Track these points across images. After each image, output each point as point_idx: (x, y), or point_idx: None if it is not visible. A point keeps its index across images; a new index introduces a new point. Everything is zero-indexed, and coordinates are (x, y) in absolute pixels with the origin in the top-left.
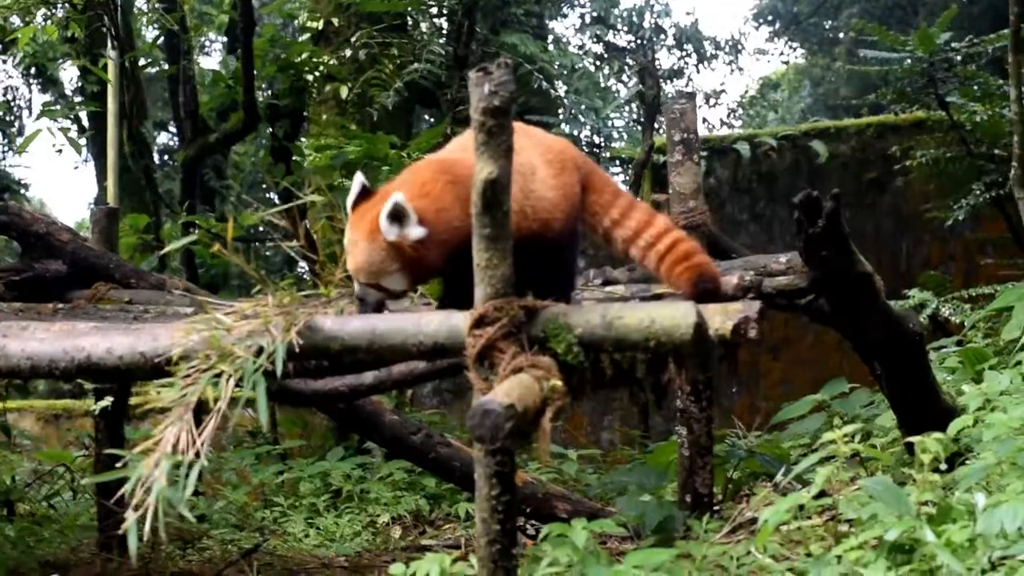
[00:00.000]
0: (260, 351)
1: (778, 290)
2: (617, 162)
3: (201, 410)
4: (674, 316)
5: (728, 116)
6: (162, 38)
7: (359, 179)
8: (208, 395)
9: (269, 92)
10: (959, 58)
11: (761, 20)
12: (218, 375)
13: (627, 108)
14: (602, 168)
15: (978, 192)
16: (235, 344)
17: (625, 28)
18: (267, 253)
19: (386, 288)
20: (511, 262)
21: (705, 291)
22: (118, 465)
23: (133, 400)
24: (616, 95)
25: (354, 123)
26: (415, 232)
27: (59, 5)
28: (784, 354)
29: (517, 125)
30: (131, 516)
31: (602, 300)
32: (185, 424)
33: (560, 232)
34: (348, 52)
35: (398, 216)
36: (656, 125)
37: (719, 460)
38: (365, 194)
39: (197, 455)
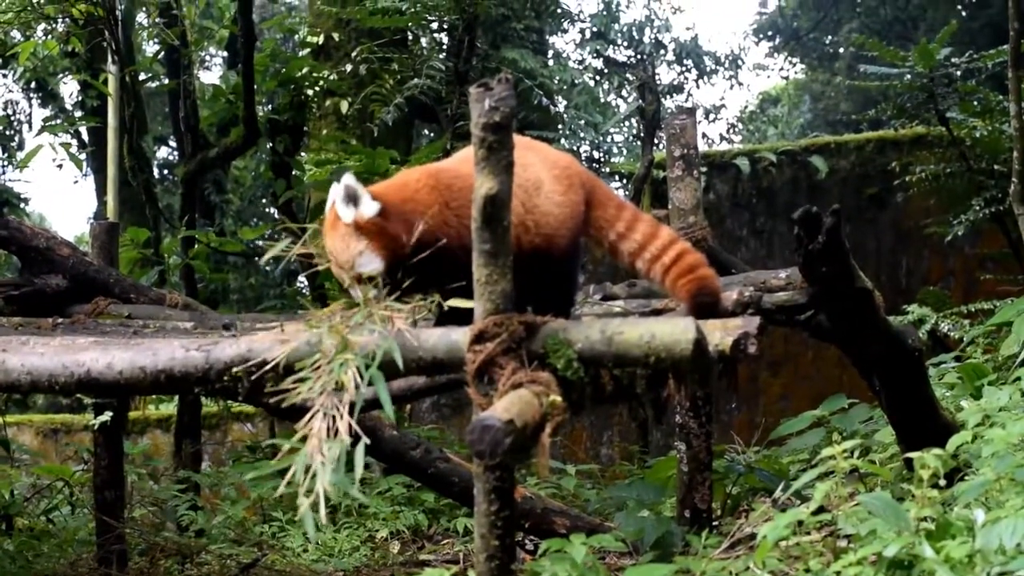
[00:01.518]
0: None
1: (778, 306)
2: (617, 177)
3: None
4: (674, 332)
5: (728, 131)
6: (163, 53)
7: (333, 191)
8: (344, 380)
9: (269, 107)
10: (959, 73)
11: (761, 35)
12: (343, 363)
13: (627, 123)
14: (604, 182)
15: (978, 208)
16: (351, 333)
17: (625, 43)
18: (267, 268)
19: (363, 273)
20: (511, 278)
21: (704, 304)
22: (271, 465)
23: (131, 415)
24: (616, 110)
25: (354, 138)
26: (369, 207)
27: (60, 20)
28: (783, 370)
29: (524, 140)
30: (304, 504)
31: (602, 315)
32: (333, 409)
33: (564, 248)
34: (348, 67)
35: (352, 198)
36: (656, 140)
37: (718, 475)
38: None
39: (358, 436)
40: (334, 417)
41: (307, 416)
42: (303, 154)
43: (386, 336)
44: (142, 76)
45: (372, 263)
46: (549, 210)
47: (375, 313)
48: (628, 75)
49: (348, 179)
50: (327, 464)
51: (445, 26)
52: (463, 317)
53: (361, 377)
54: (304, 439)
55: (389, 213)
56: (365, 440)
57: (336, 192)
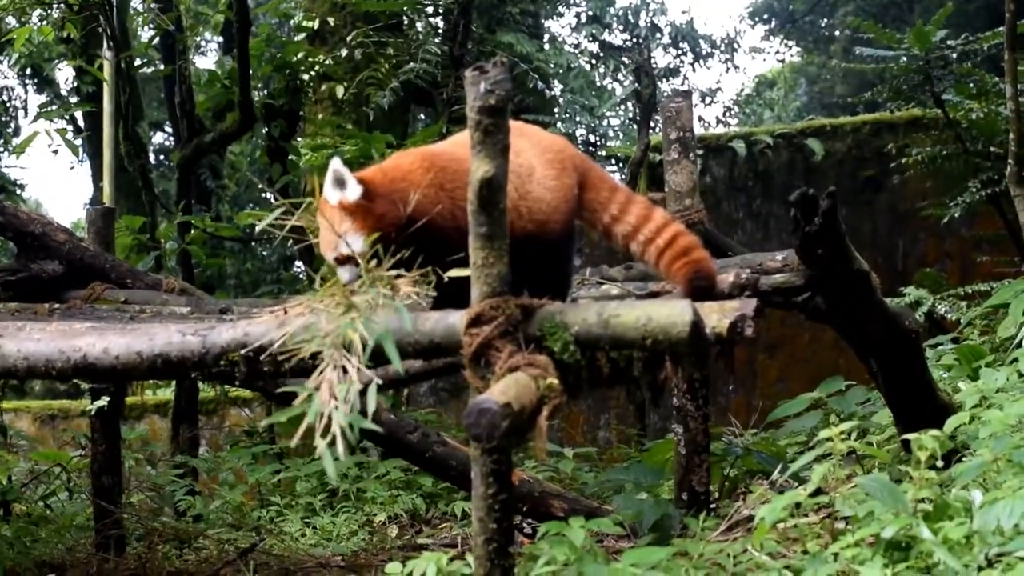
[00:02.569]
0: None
1: (774, 288)
2: (613, 161)
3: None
4: (671, 314)
5: (724, 114)
6: (158, 38)
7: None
8: (351, 335)
9: (265, 92)
10: (955, 56)
11: (757, 18)
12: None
13: (623, 107)
14: (598, 165)
15: (974, 189)
16: (355, 296)
17: (621, 27)
18: (263, 253)
19: (348, 253)
20: (507, 261)
21: (700, 287)
22: (285, 412)
23: (128, 400)
24: (612, 94)
25: (350, 122)
26: (353, 192)
27: (55, 6)
28: (781, 352)
29: (515, 125)
30: (321, 444)
31: (598, 298)
32: (342, 359)
33: (558, 232)
34: (344, 52)
35: (339, 182)
36: (652, 124)
37: (716, 458)
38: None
39: (369, 380)
40: (344, 368)
41: (317, 371)
42: (299, 139)
43: (390, 298)
44: (138, 62)
45: (355, 243)
46: (542, 195)
47: (378, 280)
48: (624, 59)
49: (335, 163)
50: (340, 405)
51: (440, 10)
52: (458, 299)
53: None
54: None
55: (375, 195)
56: (377, 380)
57: (327, 177)
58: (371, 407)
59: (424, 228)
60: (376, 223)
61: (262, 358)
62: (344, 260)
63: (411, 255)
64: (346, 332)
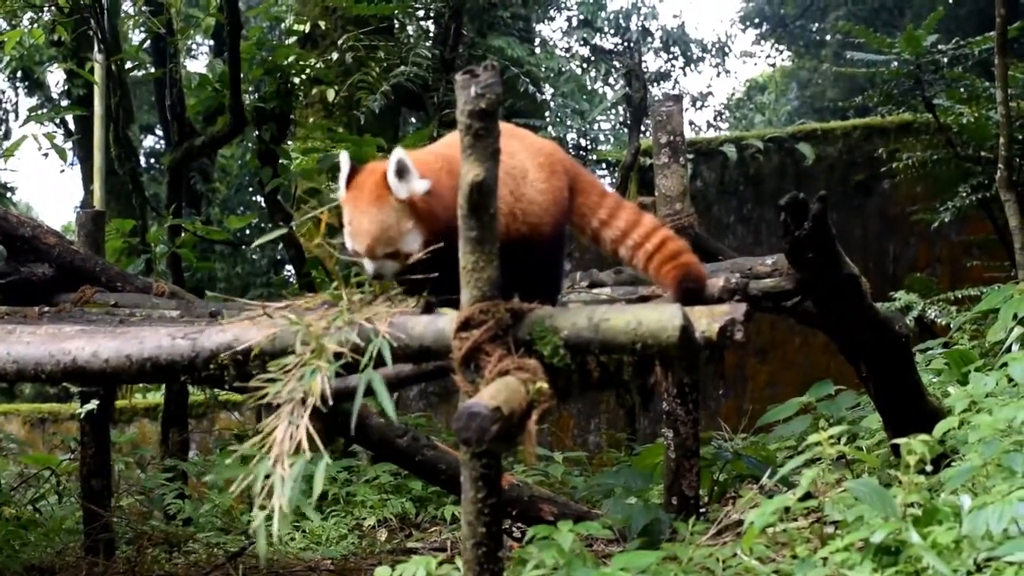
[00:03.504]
0: (357, 348)
1: (764, 292)
2: (604, 165)
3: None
4: (660, 319)
5: (715, 119)
6: (149, 41)
7: (346, 158)
8: (312, 388)
9: (256, 95)
10: (946, 60)
11: (748, 23)
12: (314, 370)
13: (613, 111)
14: (588, 170)
15: (964, 194)
16: (326, 339)
17: (612, 31)
18: (253, 256)
19: (403, 251)
20: (497, 264)
21: (689, 290)
22: (228, 462)
23: (118, 404)
24: (603, 98)
25: (341, 126)
26: (420, 184)
27: (46, 8)
28: (770, 356)
29: (507, 127)
30: (259, 516)
31: (588, 302)
32: (298, 419)
33: (549, 236)
34: (335, 55)
35: (402, 172)
36: (642, 128)
37: (705, 462)
38: (354, 174)
39: (320, 453)
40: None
41: (270, 419)
42: (289, 142)
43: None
44: (128, 64)
45: (416, 243)
46: (534, 198)
47: (356, 316)
48: (615, 63)
49: (400, 152)
50: (287, 480)
51: (431, 14)
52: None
53: (330, 382)
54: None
55: (436, 193)
56: (327, 459)
57: (390, 167)
58: (317, 487)
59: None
60: (433, 224)
61: (250, 362)
62: (392, 256)
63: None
64: (310, 382)
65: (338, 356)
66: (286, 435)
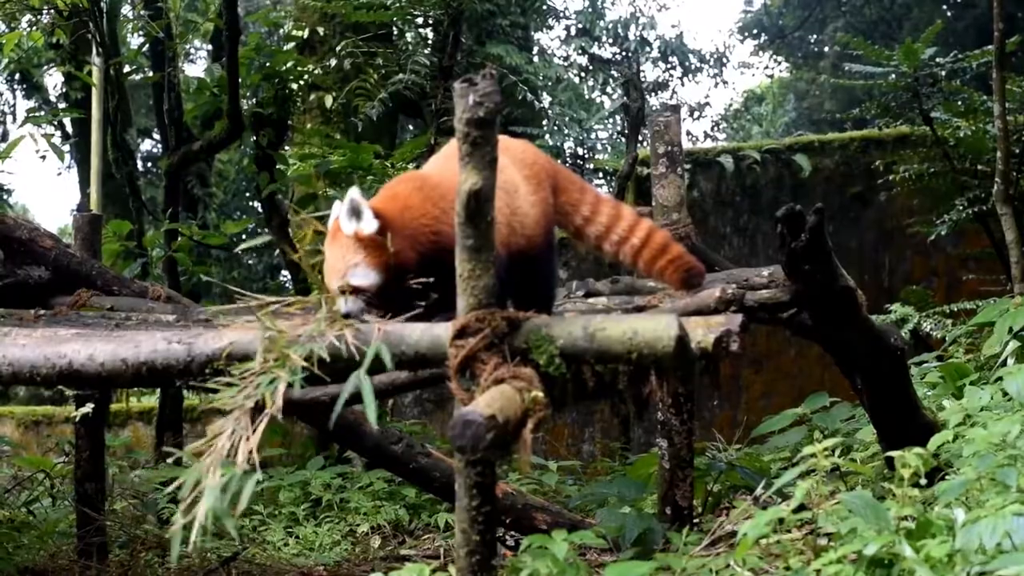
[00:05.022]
0: (339, 356)
1: (760, 303)
2: (601, 174)
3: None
4: (656, 329)
5: (712, 129)
6: (147, 45)
7: (334, 206)
8: (266, 398)
9: (254, 100)
10: (943, 73)
11: (746, 33)
12: (272, 380)
13: (611, 120)
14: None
15: (961, 207)
16: (291, 349)
17: (610, 40)
18: (249, 262)
19: (352, 285)
20: (494, 273)
21: (694, 285)
22: (169, 460)
23: (113, 407)
24: (600, 107)
25: (338, 132)
26: (369, 224)
27: (44, 11)
28: (766, 368)
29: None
30: (178, 522)
31: (584, 312)
32: (242, 430)
33: (542, 246)
34: (333, 61)
35: (355, 212)
36: (640, 137)
37: (699, 473)
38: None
39: (254, 468)
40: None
41: (216, 426)
42: (287, 148)
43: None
44: (126, 68)
45: (366, 276)
46: (528, 211)
47: (327, 327)
48: (613, 72)
49: (353, 193)
50: (212, 489)
51: (430, 21)
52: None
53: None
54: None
55: (389, 229)
56: (258, 476)
57: (341, 204)
58: (242, 503)
59: (438, 260)
60: (389, 258)
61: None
62: (351, 291)
63: (422, 281)
64: (265, 392)
65: (306, 367)
66: (227, 443)
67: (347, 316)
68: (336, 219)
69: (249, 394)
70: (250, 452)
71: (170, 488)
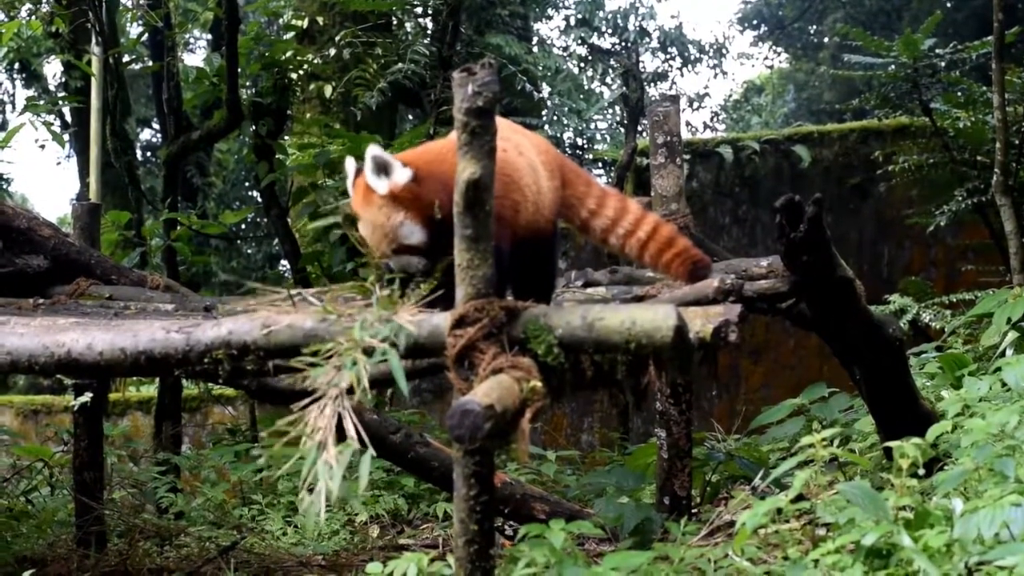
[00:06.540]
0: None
1: (759, 294)
2: (600, 164)
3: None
4: (655, 318)
5: (711, 120)
6: (146, 35)
7: (351, 164)
8: (354, 380)
9: (253, 90)
10: (943, 64)
11: (746, 24)
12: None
13: (610, 110)
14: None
15: (960, 198)
16: (368, 333)
17: (609, 31)
18: (248, 251)
19: (404, 244)
20: (492, 262)
21: (701, 278)
22: (259, 442)
23: (112, 396)
24: (600, 97)
25: (338, 122)
26: (402, 175)
27: (44, 0)
28: (764, 358)
29: (514, 126)
30: (306, 499)
31: (583, 302)
32: (340, 409)
33: (551, 232)
34: (332, 51)
35: (382, 168)
36: (639, 128)
37: (698, 463)
38: (359, 175)
39: (364, 445)
40: (340, 416)
41: (305, 402)
42: (286, 137)
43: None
44: (126, 58)
45: (415, 233)
46: (547, 194)
47: (387, 312)
48: (612, 62)
49: (375, 150)
50: (338, 470)
51: (429, 11)
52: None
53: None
54: (302, 429)
55: (422, 177)
56: (371, 452)
57: (364, 165)
58: (363, 479)
59: None
60: (429, 208)
61: (246, 356)
62: (403, 251)
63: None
64: (352, 376)
65: (369, 350)
66: (330, 423)
67: (405, 273)
68: (361, 184)
69: (334, 376)
70: (359, 431)
71: (260, 461)
